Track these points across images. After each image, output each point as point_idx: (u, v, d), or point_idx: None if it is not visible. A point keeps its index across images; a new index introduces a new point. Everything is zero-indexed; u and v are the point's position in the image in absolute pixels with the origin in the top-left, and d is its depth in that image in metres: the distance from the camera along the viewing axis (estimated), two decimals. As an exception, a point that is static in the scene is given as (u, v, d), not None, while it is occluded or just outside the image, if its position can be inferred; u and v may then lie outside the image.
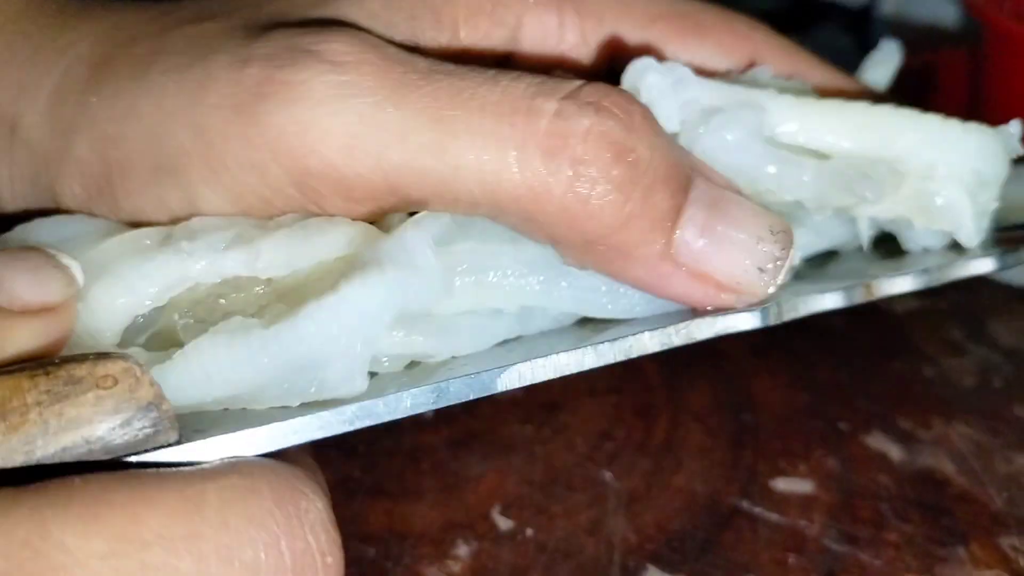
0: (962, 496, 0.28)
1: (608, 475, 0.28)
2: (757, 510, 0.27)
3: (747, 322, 0.23)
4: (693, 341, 0.22)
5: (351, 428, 0.20)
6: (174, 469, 0.18)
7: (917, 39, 0.69)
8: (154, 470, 0.18)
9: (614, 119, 0.21)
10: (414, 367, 0.22)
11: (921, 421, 0.31)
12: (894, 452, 0.29)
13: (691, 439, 0.29)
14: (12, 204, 0.23)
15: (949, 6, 0.70)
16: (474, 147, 0.20)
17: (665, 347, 0.22)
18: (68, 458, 0.17)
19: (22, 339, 0.18)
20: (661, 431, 0.30)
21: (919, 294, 0.36)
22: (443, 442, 0.29)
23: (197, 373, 0.19)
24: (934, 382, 0.32)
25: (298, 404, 0.20)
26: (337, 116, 0.20)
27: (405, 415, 0.20)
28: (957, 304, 0.36)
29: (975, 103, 0.53)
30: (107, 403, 0.17)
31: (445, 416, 0.30)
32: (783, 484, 0.28)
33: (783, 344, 0.34)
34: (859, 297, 0.24)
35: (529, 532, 0.26)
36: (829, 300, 0.24)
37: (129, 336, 0.21)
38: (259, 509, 0.18)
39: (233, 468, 0.18)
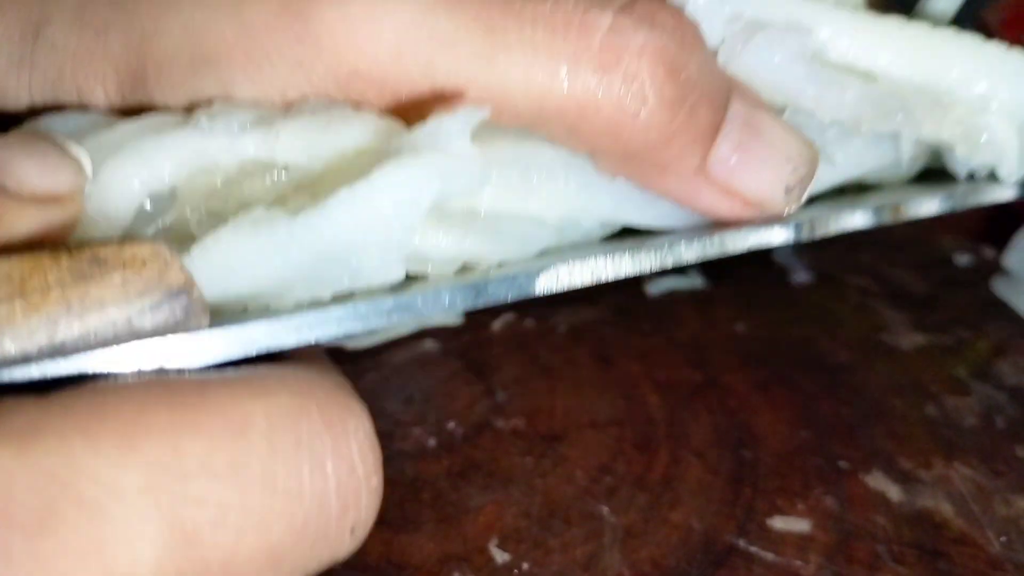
0: (960, 539, 0.28)
1: (605, 509, 0.28)
2: (753, 549, 0.27)
3: (780, 236, 0.23)
4: (727, 254, 0.23)
5: (389, 321, 0.20)
6: (217, 377, 0.17)
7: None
8: (196, 379, 0.17)
9: (668, 35, 0.21)
10: (463, 273, 0.22)
11: (922, 461, 0.31)
12: (893, 492, 0.29)
13: (690, 475, 0.30)
14: (29, 108, 0.23)
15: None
16: (524, 59, 0.20)
17: (700, 258, 0.23)
18: (94, 342, 0.17)
19: (30, 223, 0.18)
20: (661, 466, 0.30)
21: (925, 331, 0.37)
22: (444, 472, 0.29)
23: (219, 266, 0.19)
24: (937, 421, 0.32)
25: (330, 296, 0.19)
26: (389, 18, 0.20)
27: (444, 312, 0.20)
28: (963, 342, 0.36)
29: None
30: (134, 286, 0.17)
31: (447, 445, 0.30)
32: (780, 523, 0.28)
33: (787, 379, 0.34)
34: (887, 217, 0.24)
35: (525, 566, 0.26)
36: (859, 218, 0.24)
37: (138, 226, 0.20)
38: (308, 432, 0.17)
39: (281, 383, 0.17)
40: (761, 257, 0.40)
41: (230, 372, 0.18)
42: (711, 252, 0.22)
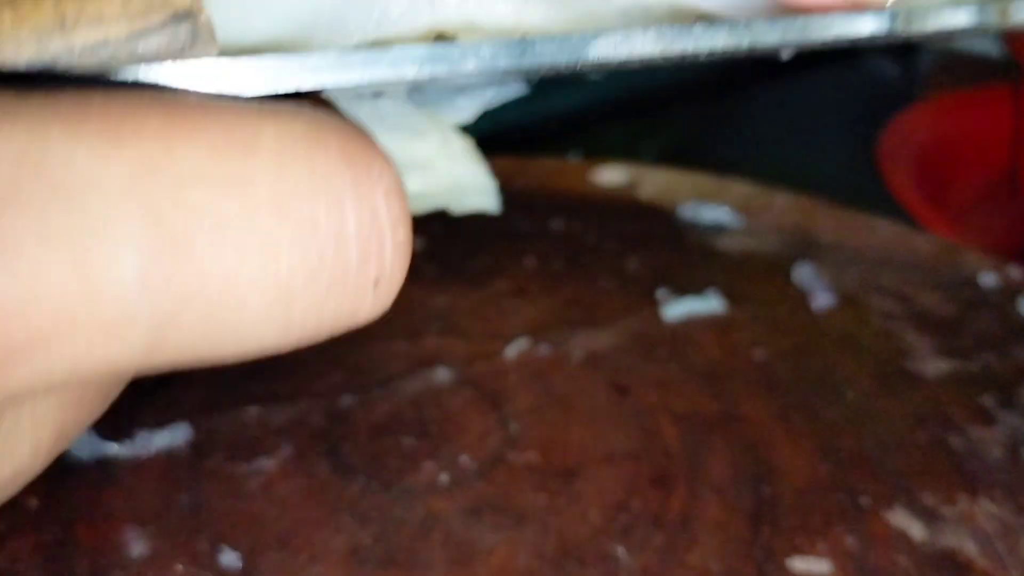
0: (984, 581, 0.27)
1: (621, 550, 0.28)
2: (772, 591, 0.27)
3: (870, 26, 0.21)
4: (810, 41, 0.21)
5: (421, 72, 0.17)
6: (225, 102, 0.15)
7: (964, 69, 0.68)
8: (197, 98, 0.15)
9: None
10: None
11: (945, 496, 0.30)
12: (916, 530, 0.29)
13: (708, 513, 0.29)
14: None
15: (998, 37, 0.68)
16: None
17: (779, 43, 0.20)
18: (89, 63, 0.15)
19: None
20: (678, 503, 0.29)
21: (950, 356, 0.36)
22: (457, 510, 0.29)
23: (234, 4, 0.17)
24: (961, 454, 0.32)
25: (355, 44, 0.18)
26: None
27: (483, 67, 0.18)
28: (989, 368, 0.35)
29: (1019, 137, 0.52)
30: (135, 3, 0.15)
31: (459, 481, 0.30)
32: (800, 563, 0.27)
33: (807, 409, 0.33)
34: (993, 18, 0.23)
35: (538, 610, 0.26)
36: (962, 16, 0.22)
37: None
38: (324, 165, 0.15)
39: (296, 114, 0.16)
40: (781, 278, 0.40)
41: (239, 98, 0.16)
42: (792, 37, 0.20)
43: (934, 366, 0.35)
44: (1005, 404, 0.34)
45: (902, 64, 0.69)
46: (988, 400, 0.34)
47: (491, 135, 0.59)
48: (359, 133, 0.16)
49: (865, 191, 0.51)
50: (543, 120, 0.59)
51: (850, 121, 0.63)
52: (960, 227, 0.48)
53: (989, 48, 0.68)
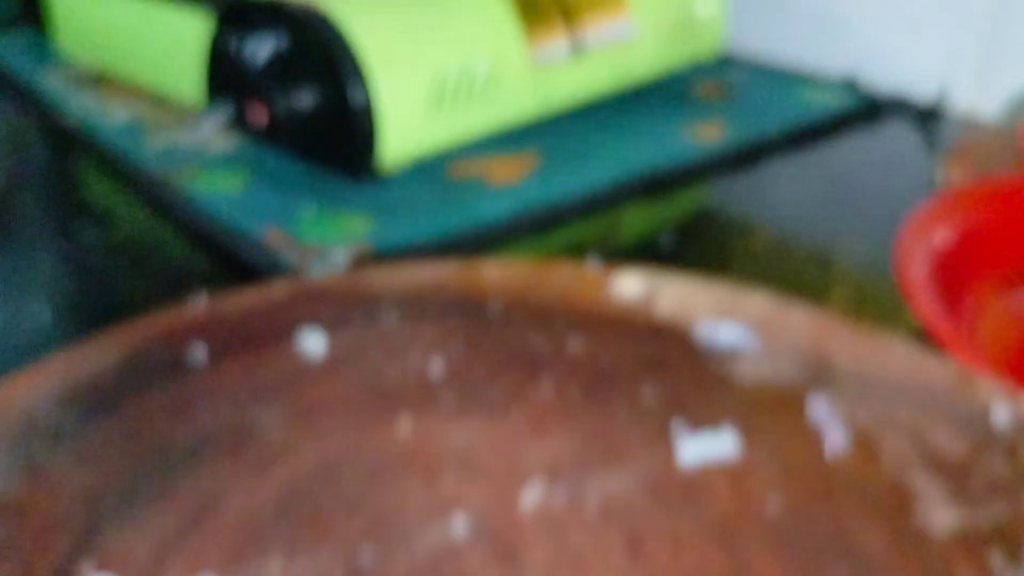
0: None
1: None
2: None
3: None
4: None
5: None
6: None
7: (985, 137, 0.68)
8: None
9: None
10: None
11: (951, 673, 0.31)
12: None
13: None
14: None
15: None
16: None
17: None
18: None
19: None
20: None
21: (960, 506, 0.36)
22: None
23: None
24: (967, 622, 0.32)
25: None
26: None
27: None
28: (998, 525, 0.36)
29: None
30: None
31: (476, 653, 0.31)
32: None
33: (818, 570, 0.34)
34: None
35: None
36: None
37: None
38: None
39: None
40: (796, 410, 0.40)
41: None
42: None
43: (943, 517, 0.36)
44: (1011, 560, 0.34)
45: (924, 131, 0.69)
46: (995, 556, 0.34)
47: (510, 218, 0.59)
48: None
49: (883, 264, 0.51)
50: (560, 200, 0.60)
51: (871, 189, 0.63)
52: (975, 337, 0.49)
53: (1012, 119, 0.68)
